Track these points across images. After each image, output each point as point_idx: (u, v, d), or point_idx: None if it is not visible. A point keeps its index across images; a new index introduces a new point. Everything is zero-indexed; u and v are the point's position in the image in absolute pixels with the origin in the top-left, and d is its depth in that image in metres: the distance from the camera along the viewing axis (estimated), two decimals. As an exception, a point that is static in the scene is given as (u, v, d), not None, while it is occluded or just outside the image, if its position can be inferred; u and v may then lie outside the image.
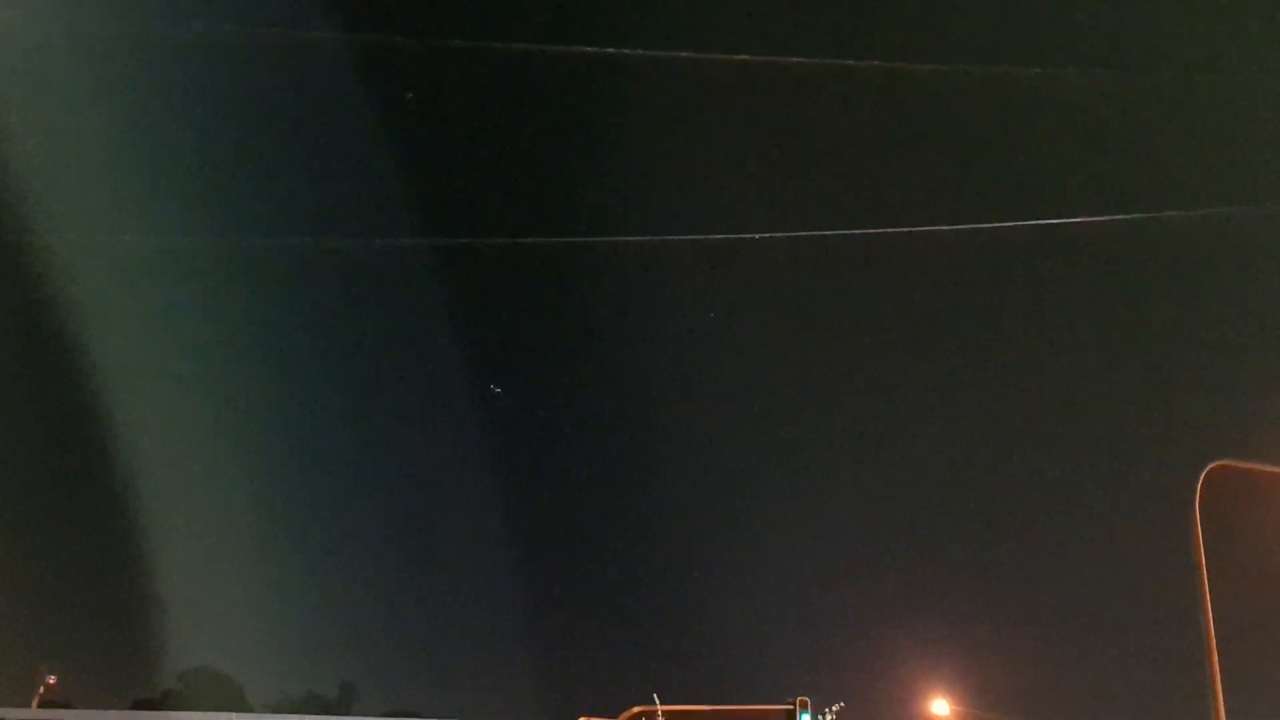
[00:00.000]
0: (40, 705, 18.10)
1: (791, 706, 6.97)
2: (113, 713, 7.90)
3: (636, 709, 6.87)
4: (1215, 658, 13.75)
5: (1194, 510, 14.62)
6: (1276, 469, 15.61)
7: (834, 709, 6.53)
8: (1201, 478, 14.69)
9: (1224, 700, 13.43)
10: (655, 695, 6.77)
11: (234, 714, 7.77)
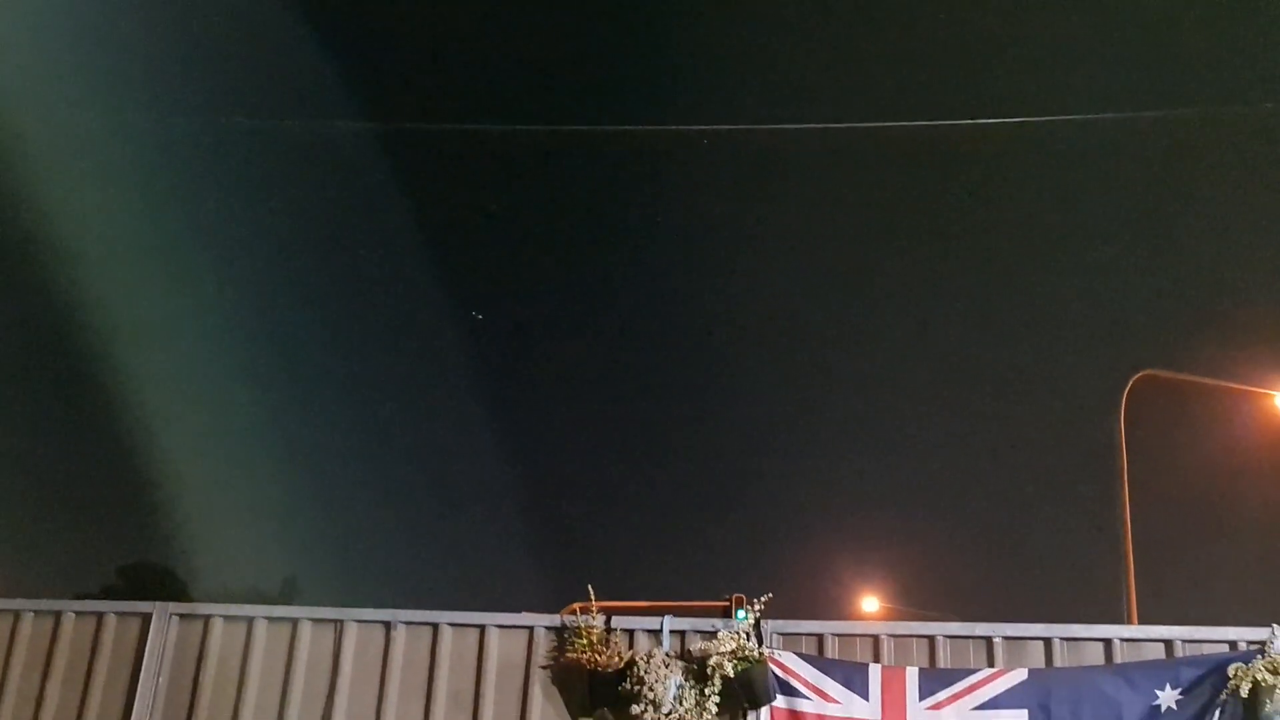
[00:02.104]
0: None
1: (727, 603, 7.24)
2: (44, 600, 7.86)
3: (576, 605, 7.04)
4: (1131, 558, 14.39)
5: (1119, 417, 15.13)
6: (1200, 379, 16.17)
7: (760, 600, 6.73)
8: (1127, 386, 15.17)
9: (1137, 598, 14.11)
10: (590, 588, 6.93)
11: (171, 603, 7.75)
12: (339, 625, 7.32)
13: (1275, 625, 6.17)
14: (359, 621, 7.33)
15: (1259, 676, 5.92)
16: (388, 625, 7.27)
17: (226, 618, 7.50)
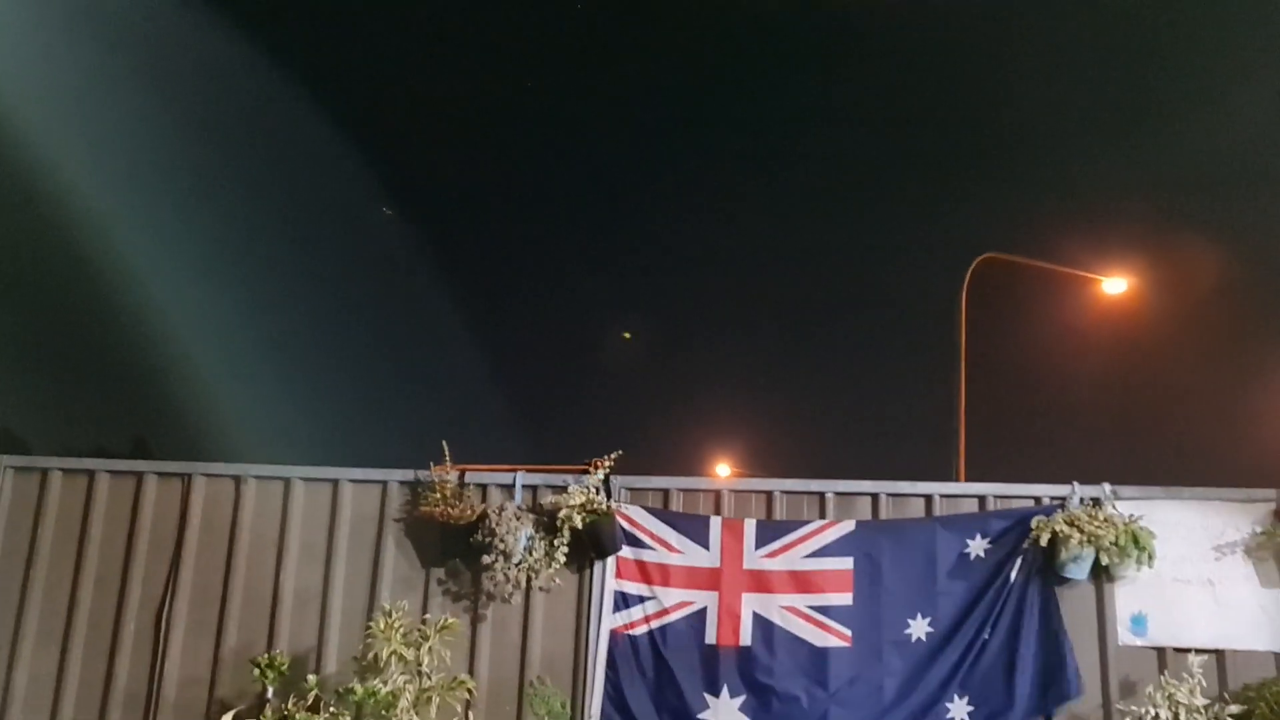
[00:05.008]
0: None
1: (586, 467, 7.43)
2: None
3: (435, 467, 7.10)
4: (963, 427, 15.33)
5: (960, 298, 15.89)
6: (1036, 263, 17.08)
7: (610, 457, 6.96)
8: (970, 269, 15.90)
9: (967, 462, 15.13)
10: (444, 445, 7.01)
11: (6, 455, 7.45)
12: (186, 479, 7.24)
13: (1075, 483, 6.76)
14: (207, 475, 7.26)
15: (1057, 528, 6.51)
16: (237, 479, 7.23)
17: (66, 471, 7.31)
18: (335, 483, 7.18)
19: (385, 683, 6.15)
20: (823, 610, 6.69)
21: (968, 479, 13.81)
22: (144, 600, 7.07)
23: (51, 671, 7.00)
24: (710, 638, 6.71)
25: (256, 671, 6.54)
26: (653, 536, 6.89)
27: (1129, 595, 6.61)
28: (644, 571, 6.85)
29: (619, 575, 6.86)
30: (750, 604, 6.74)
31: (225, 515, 7.18)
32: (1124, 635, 6.57)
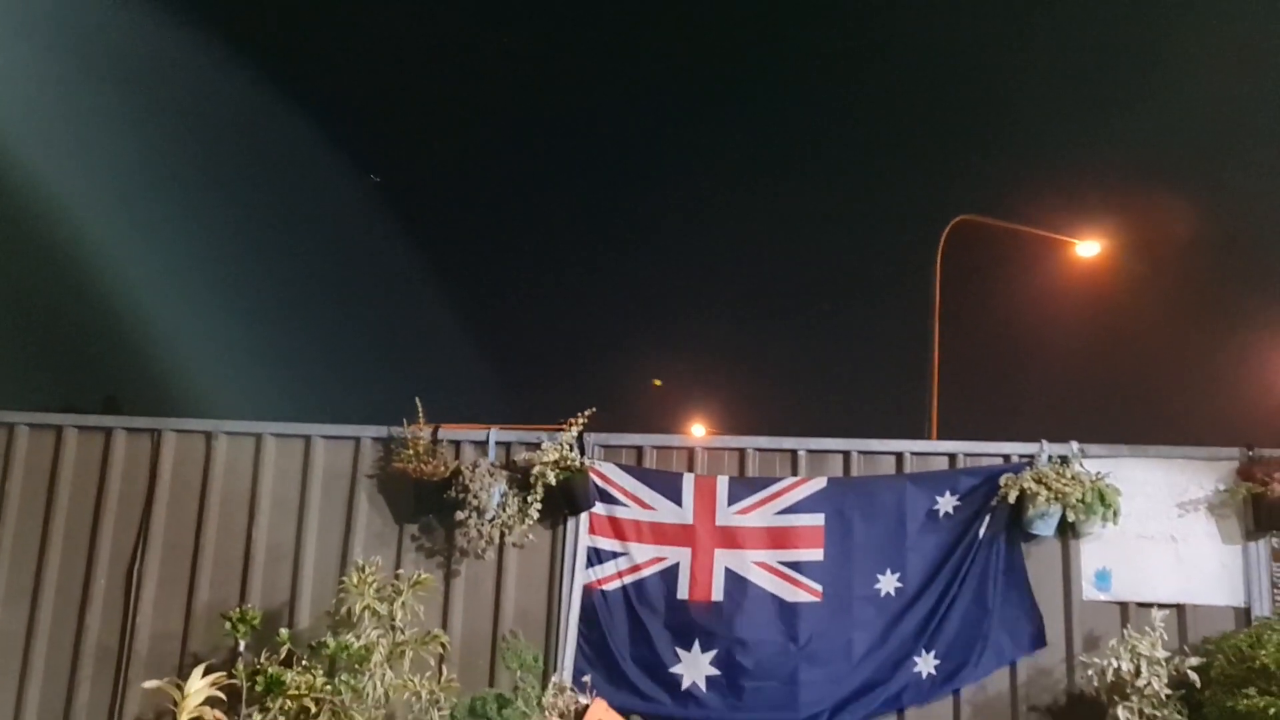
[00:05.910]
0: None
1: (561, 425, 7.43)
2: None
3: (410, 425, 7.08)
4: (936, 386, 15.45)
5: (935, 260, 15.93)
6: (1011, 225, 17.14)
7: (584, 414, 6.96)
8: (945, 231, 15.93)
9: (941, 422, 15.26)
10: (418, 401, 6.98)
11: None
12: (156, 434, 7.18)
13: (1044, 441, 6.83)
14: (178, 431, 7.20)
15: (1025, 485, 6.58)
16: (209, 435, 7.18)
17: (32, 425, 7.23)
18: (307, 439, 7.15)
19: (358, 637, 6.16)
20: (794, 566, 6.75)
21: (939, 438, 13.98)
22: (114, 556, 7.04)
23: (21, 627, 6.97)
24: (682, 593, 6.76)
25: (228, 626, 6.54)
26: (626, 493, 6.91)
27: (1094, 551, 6.71)
28: (617, 527, 6.88)
29: (592, 531, 6.89)
30: (722, 560, 6.79)
31: (196, 471, 7.14)
32: (1088, 590, 6.67)
